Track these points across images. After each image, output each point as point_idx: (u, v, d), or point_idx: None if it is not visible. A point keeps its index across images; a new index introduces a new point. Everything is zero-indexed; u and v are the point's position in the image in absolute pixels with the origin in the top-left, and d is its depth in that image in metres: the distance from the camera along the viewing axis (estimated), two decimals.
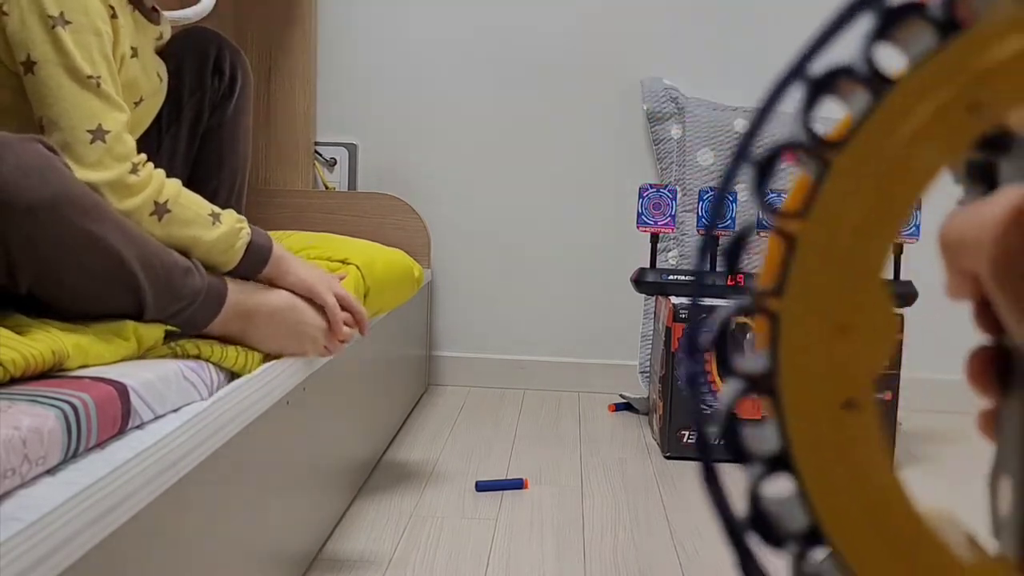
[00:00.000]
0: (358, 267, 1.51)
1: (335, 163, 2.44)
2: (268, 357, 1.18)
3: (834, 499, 0.25)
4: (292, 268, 1.21)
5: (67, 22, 1.09)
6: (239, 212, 1.27)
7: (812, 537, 0.26)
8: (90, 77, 1.10)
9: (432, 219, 2.38)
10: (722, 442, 0.26)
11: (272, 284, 1.20)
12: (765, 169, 0.26)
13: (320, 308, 1.22)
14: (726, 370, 0.26)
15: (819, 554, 0.26)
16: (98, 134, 1.09)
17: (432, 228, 2.36)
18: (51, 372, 0.89)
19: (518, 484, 1.69)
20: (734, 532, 0.27)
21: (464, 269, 2.49)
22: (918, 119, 0.24)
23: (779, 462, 0.26)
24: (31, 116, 1.11)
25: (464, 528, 1.51)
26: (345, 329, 1.25)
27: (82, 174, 1.05)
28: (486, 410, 2.27)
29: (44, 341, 0.88)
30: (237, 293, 1.14)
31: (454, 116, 2.46)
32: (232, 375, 1.10)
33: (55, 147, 0.98)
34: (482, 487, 1.67)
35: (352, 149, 2.46)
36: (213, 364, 1.06)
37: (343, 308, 1.25)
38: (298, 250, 1.49)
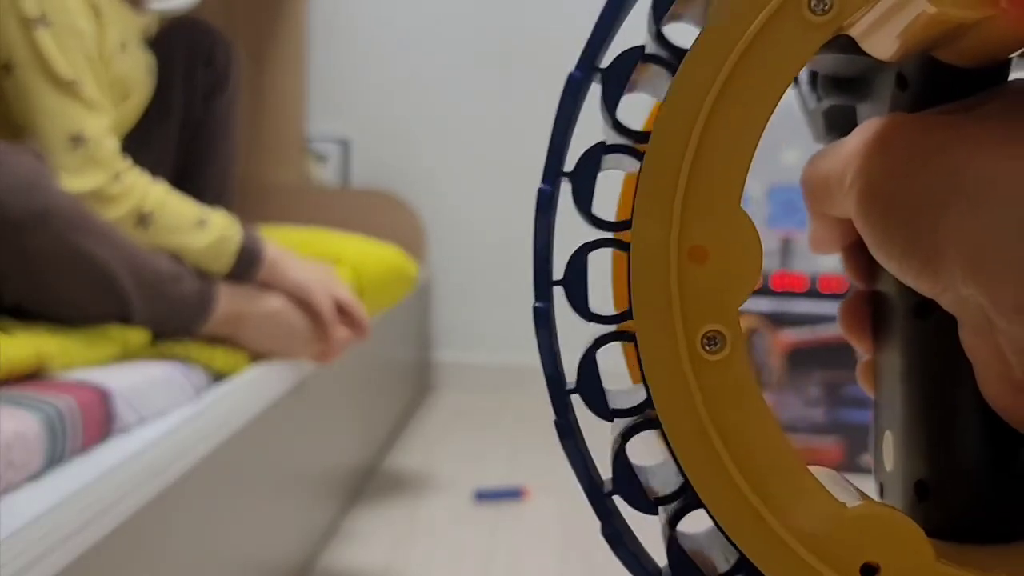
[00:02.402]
0: (351, 265, 1.52)
1: (326, 158, 2.45)
2: (256, 357, 1.20)
3: (701, 452, 0.23)
4: (288, 270, 1.23)
5: (48, 23, 1.10)
6: (229, 207, 1.28)
7: (685, 500, 0.24)
8: (70, 81, 1.11)
9: (430, 217, 2.39)
10: (583, 397, 0.25)
11: (268, 287, 1.22)
12: (613, 78, 0.25)
13: (316, 312, 1.24)
14: (582, 314, 0.25)
15: (693, 518, 0.25)
16: (78, 140, 1.10)
17: (431, 226, 2.37)
18: (35, 374, 0.91)
19: (519, 493, 1.70)
20: (596, 496, 0.25)
21: (464, 268, 2.50)
22: (759, 20, 0.23)
23: (646, 417, 0.24)
24: (9, 116, 1.13)
25: (463, 539, 1.52)
26: (341, 334, 1.26)
27: (63, 183, 1.06)
28: (486, 415, 2.28)
29: (29, 341, 0.91)
30: (228, 298, 1.16)
31: (453, 110, 2.47)
32: (219, 375, 1.12)
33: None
34: (481, 496, 1.69)
35: (346, 143, 2.47)
36: (200, 365, 1.08)
37: (342, 311, 1.27)
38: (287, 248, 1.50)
